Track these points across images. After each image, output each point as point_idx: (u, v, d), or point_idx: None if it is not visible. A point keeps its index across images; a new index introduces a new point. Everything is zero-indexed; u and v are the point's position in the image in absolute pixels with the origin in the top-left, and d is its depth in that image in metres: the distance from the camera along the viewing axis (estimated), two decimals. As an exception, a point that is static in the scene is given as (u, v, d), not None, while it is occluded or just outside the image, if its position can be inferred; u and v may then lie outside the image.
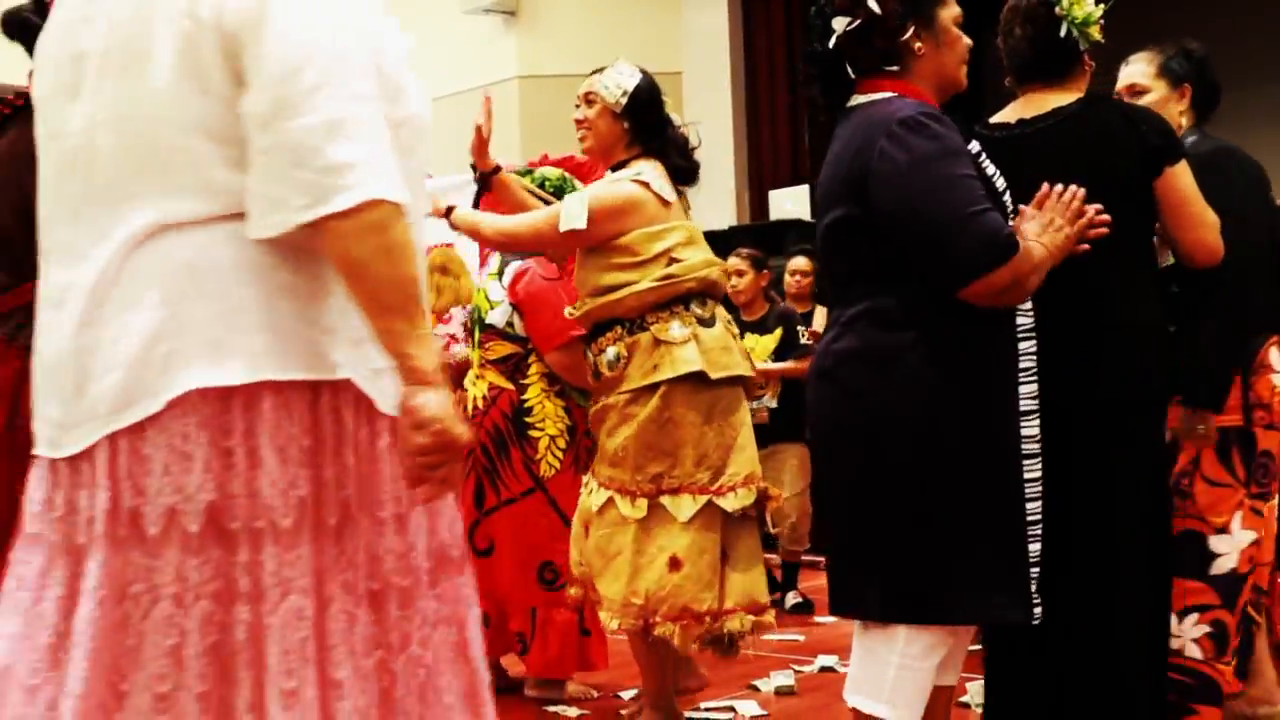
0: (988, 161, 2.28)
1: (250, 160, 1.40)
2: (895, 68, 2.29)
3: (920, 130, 2.17)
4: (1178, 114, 2.92)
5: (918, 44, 2.29)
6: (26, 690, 1.43)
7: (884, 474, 2.21)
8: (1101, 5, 2.56)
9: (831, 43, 2.31)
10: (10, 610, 1.48)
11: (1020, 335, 2.25)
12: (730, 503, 3.07)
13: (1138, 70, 2.95)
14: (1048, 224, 2.28)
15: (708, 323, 3.15)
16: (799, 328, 5.33)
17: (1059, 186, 2.31)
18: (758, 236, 7.14)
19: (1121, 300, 2.45)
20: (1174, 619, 2.75)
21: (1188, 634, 2.76)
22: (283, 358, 1.42)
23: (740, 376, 3.19)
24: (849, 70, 2.32)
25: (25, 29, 2.41)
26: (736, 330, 3.31)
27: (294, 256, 1.44)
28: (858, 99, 2.32)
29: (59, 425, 1.47)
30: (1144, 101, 2.89)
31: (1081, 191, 2.31)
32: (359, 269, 1.40)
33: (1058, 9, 2.52)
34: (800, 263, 5.90)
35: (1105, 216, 2.33)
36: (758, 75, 8.68)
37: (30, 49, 2.30)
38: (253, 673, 1.39)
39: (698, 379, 3.07)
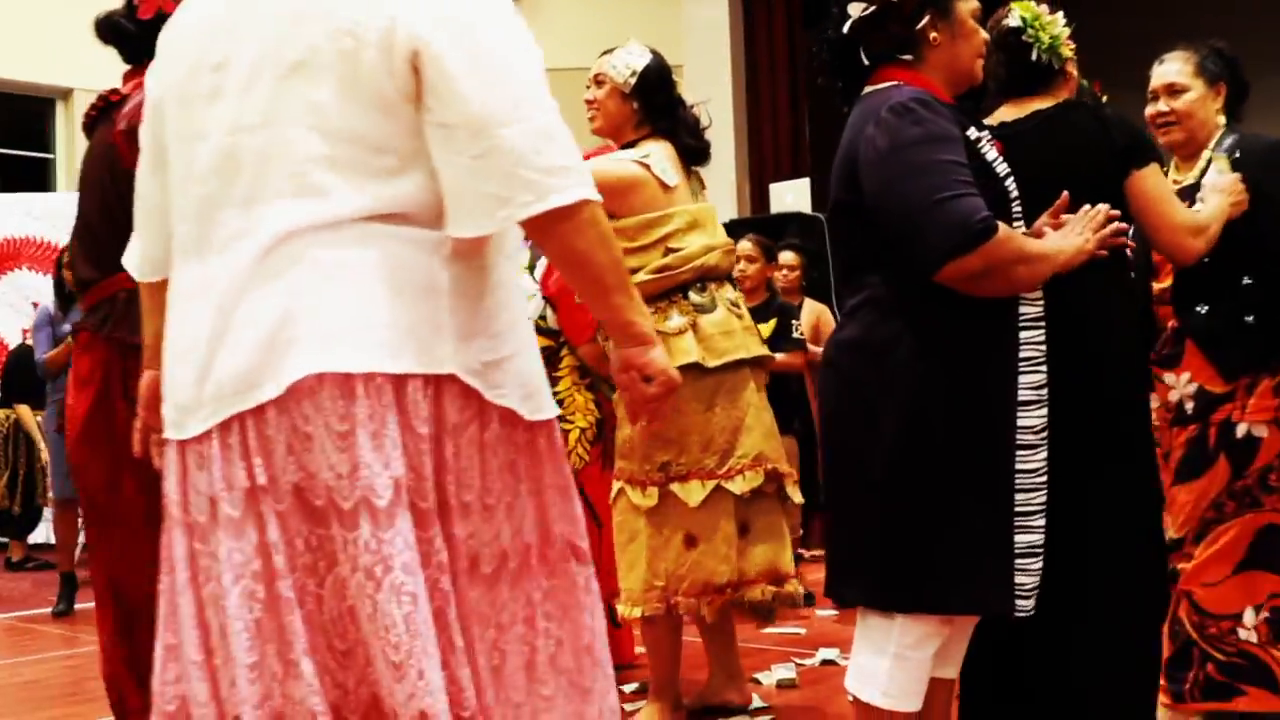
0: (989, 148, 2.28)
1: (459, 164, 1.51)
2: (909, 56, 2.30)
3: (906, 115, 2.17)
4: (1214, 112, 2.95)
5: (933, 34, 2.29)
6: (195, 665, 1.54)
7: (875, 463, 2.22)
8: (1067, 28, 2.61)
9: (847, 28, 2.32)
10: (169, 589, 1.61)
11: (1023, 324, 2.24)
12: (738, 485, 3.10)
13: (1174, 69, 2.96)
14: (1067, 230, 2.32)
15: (707, 309, 3.15)
16: (793, 321, 5.36)
17: (1085, 206, 2.35)
18: (758, 229, 7.13)
19: (1093, 297, 2.44)
20: (1250, 613, 2.77)
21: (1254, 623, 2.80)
22: (398, 352, 1.52)
23: (744, 359, 3.18)
24: (862, 57, 2.32)
25: (117, 33, 2.54)
26: (744, 310, 3.30)
27: (412, 259, 1.55)
28: (868, 88, 2.32)
29: (184, 409, 1.57)
30: (1183, 100, 2.93)
31: (1104, 207, 2.34)
32: (584, 258, 1.59)
33: (1025, 36, 2.56)
34: (788, 257, 5.93)
35: (1124, 225, 2.35)
36: (758, 68, 8.69)
37: (124, 52, 2.51)
38: (379, 641, 1.47)
39: (698, 367, 3.08)
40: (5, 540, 7.48)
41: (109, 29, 2.56)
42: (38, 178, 9.63)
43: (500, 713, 1.57)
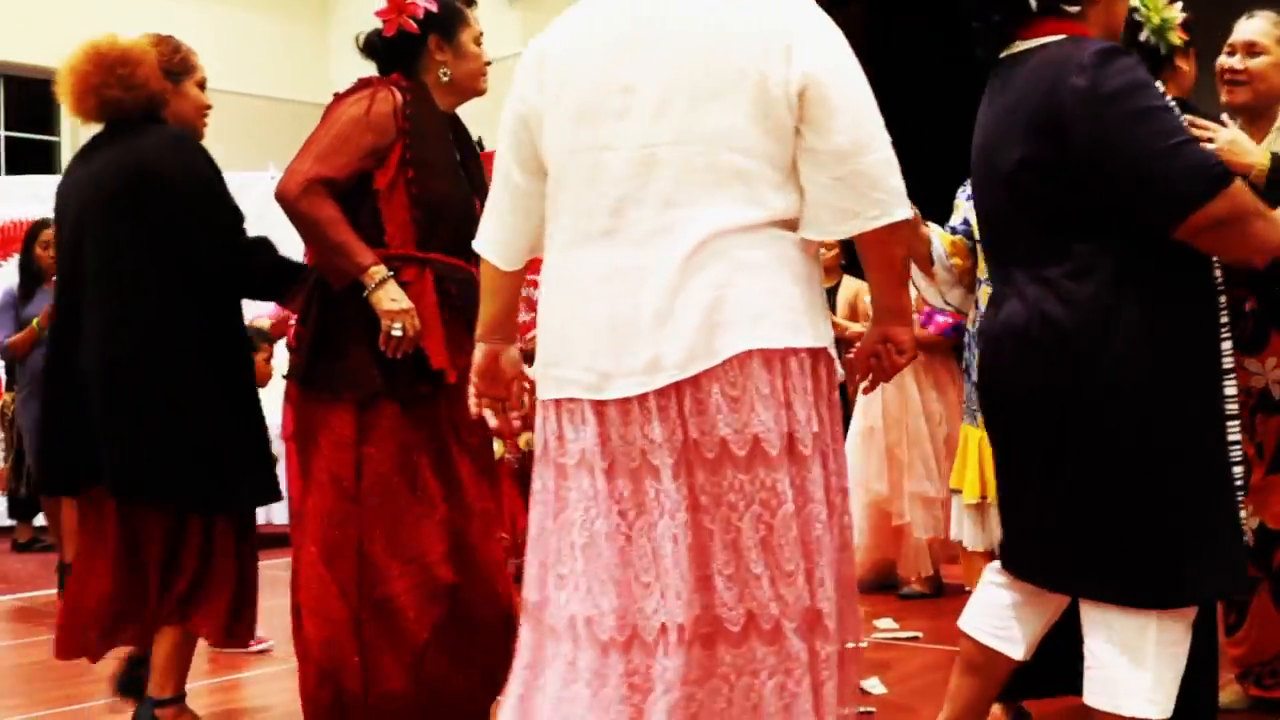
0: (1172, 101, 2.21)
1: (821, 183, 1.88)
2: (1076, 8, 2.23)
3: (1110, 63, 2.09)
4: None
5: None
6: (602, 582, 1.86)
7: (1114, 445, 2.11)
8: (1179, 14, 2.65)
9: None
10: (562, 525, 1.94)
11: (1219, 288, 2.19)
12: None
13: (1258, 28, 2.93)
14: None
15: None
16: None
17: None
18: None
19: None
20: None
21: None
22: (800, 330, 1.89)
23: None
24: (1032, 3, 2.23)
25: (373, 49, 2.92)
26: None
27: (800, 257, 1.92)
28: (1025, 44, 2.25)
29: (605, 374, 1.89)
30: (1259, 61, 2.90)
31: None
32: (894, 262, 2.01)
33: (1136, 15, 2.59)
34: None
35: None
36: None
37: (378, 65, 2.92)
38: (794, 554, 1.83)
39: None
40: (12, 523, 7.54)
41: (368, 46, 2.92)
42: (44, 160, 9.68)
43: (843, 622, 1.93)
